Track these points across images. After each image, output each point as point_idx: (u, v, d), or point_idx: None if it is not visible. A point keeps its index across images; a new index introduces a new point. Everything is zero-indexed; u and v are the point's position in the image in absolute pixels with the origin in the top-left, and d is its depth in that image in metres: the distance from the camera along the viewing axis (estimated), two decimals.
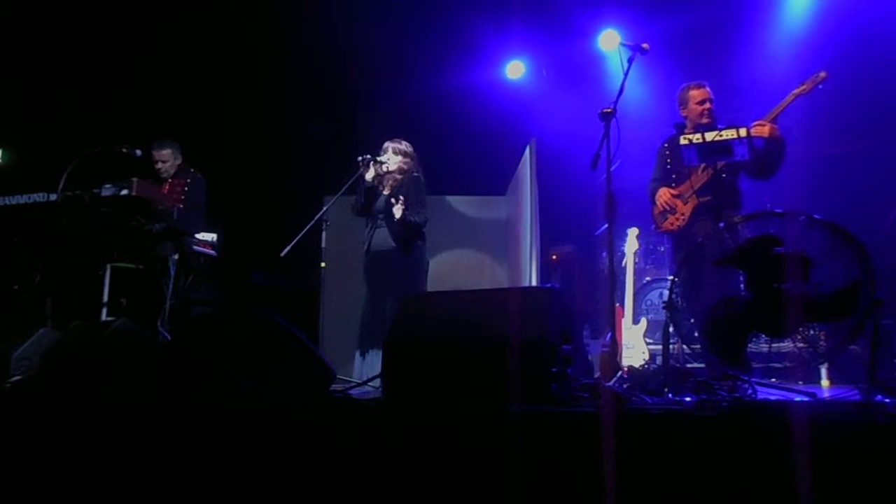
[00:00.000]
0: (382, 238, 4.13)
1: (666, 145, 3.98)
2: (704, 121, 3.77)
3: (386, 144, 4.29)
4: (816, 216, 2.50)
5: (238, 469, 2.12)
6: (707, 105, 3.79)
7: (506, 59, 6.43)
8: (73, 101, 5.75)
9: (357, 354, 4.03)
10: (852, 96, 4.81)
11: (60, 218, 3.83)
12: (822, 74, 3.45)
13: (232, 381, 2.46)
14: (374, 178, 4.20)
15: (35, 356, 3.12)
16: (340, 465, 2.03)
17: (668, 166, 3.90)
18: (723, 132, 3.14)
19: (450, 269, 5.82)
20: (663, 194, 3.82)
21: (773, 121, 3.47)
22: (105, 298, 4.15)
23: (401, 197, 4.00)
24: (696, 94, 3.83)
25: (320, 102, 6.34)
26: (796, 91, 3.48)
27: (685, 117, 3.90)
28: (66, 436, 2.35)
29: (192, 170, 4.73)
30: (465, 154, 6.12)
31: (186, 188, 4.52)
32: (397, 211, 3.99)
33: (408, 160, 4.25)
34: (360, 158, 4.21)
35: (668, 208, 3.80)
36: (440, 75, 6.10)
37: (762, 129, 3.44)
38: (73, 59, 5.73)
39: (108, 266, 4.18)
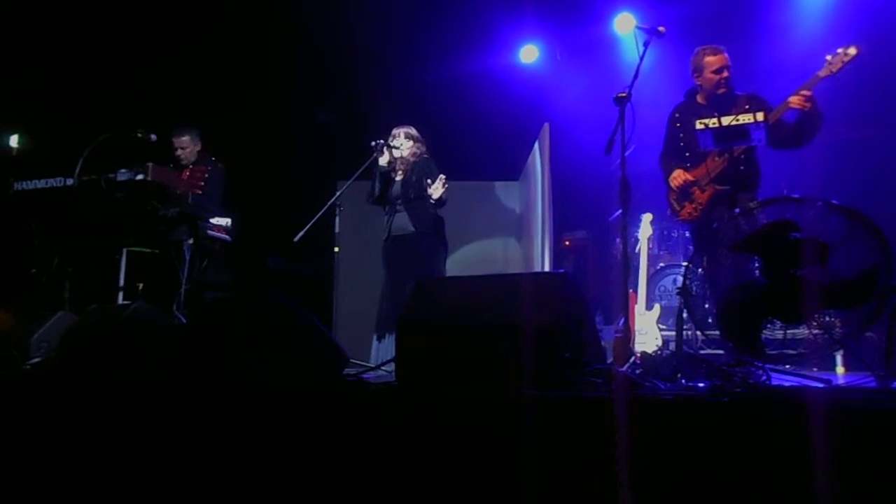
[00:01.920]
0: (402, 223, 4.13)
1: (677, 115, 3.83)
2: (721, 91, 3.60)
3: (396, 130, 4.29)
4: (834, 201, 2.47)
5: (252, 450, 2.15)
6: (724, 74, 3.59)
7: (520, 43, 6.37)
8: (89, 86, 5.78)
9: (374, 339, 4.06)
10: (874, 80, 4.72)
11: (77, 202, 3.87)
12: (852, 51, 3.16)
13: (246, 364, 2.49)
14: (388, 164, 4.20)
15: (53, 339, 3.16)
16: (354, 449, 2.05)
17: (681, 144, 3.77)
18: (739, 116, 3.08)
19: (463, 255, 5.82)
20: (678, 176, 3.69)
21: (811, 92, 3.25)
22: (121, 282, 4.20)
23: (442, 176, 3.98)
24: (712, 60, 3.61)
25: (334, 88, 6.33)
26: (821, 73, 3.25)
27: (700, 85, 3.71)
28: (83, 416, 2.39)
29: (212, 158, 4.74)
30: (479, 139, 6.10)
31: (207, 175, 4.53)
32: (436, 191, 3.94)
33: (419, 145, 4.27)
34: (373, 143, 4.21)
35: (683, 188, 3.68)
36: (453, 59, 6.07)
37: (799, 103, 3.23)
38: (90, 45, 5.75)
39: (124, 250, 4.22)
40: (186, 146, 4.68)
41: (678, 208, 3.78)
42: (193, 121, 4.87)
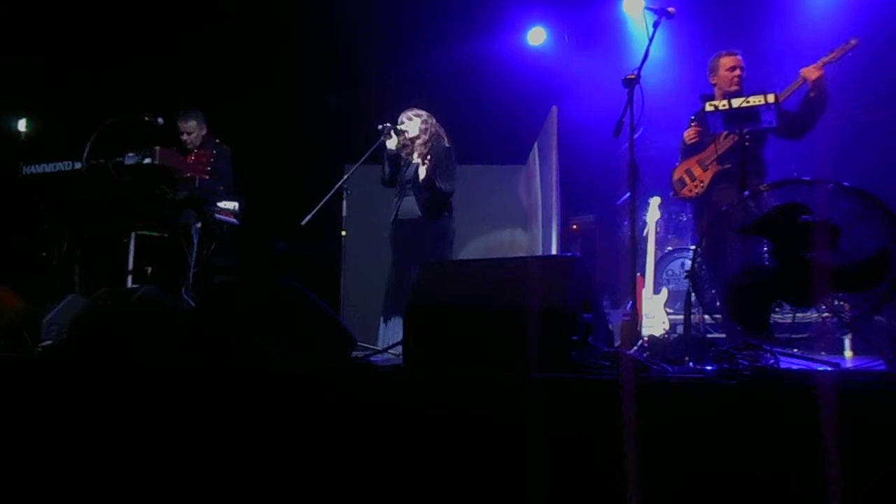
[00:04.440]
0: (409, 206, 4.13)
1: (693, 118, 3.94)
2: (734, 88, 3.72)
3: (400, 117, 4.27)
4: (845, 183, 2.45)
5: (260, 433, 2.17)
6: (737, 72, 3.75)
7: (527, 25, 6.32)
8: (97, 69, 5.77)
9: (381, 321, 4.08)
10: (885, 62, 4.67)
11: (85, 186, 3.88)
12: (853, 42, 3.36)
13: (255, 346, 2.50)
14: (396, 147, 4.19)
15: (64, 322, 3.18)
16: (361, 431, 2.06)
17: (696, 139, 3.86)
18: (750, 98, 3.08)
19: (470, 238, 5.82)
20: (689, 131, 3.82)
21: (823, 67, 3.43)
22: (130, 266, 4.21)
23: (428, 157, 4.00)
24: (726, 60, 3.79)
25: (342, 71, 6.30)
26: (825, 59, 3.42)
27: (714, 84, 3.85)
28: (94, 398, 2.41)
29: (217, 140, 4.73)
30: (486, 122, 6.06)
31: (212, 159, 4.53)
32: (422, 171, 3.98)
33: (424, 117, 4.23)
34: (380, 127, 4.20)
35: (694, 144, 3.77)
36: (461, 42, 6.02)
37: (810, 73, 3.41)
38: (98, 28, 5.74)
39: (133, 234, 4.23)
40: (192, 130, 4.67)
41: (679, 188, 3.86)
42: (201, 104, 4.86)
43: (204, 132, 4.74)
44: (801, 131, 3.58)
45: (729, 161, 3.59)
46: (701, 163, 3.74)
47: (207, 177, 4.30)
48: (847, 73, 3.70)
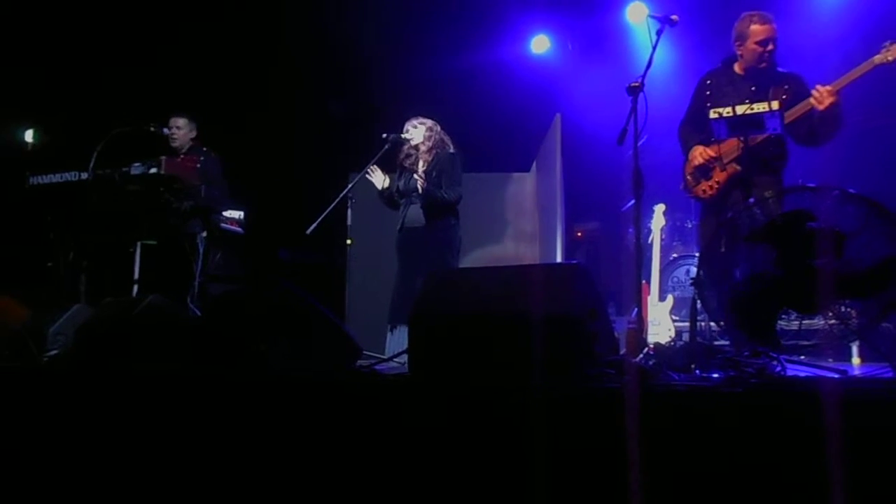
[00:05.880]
0: (416, 215, 4.15)
1: (709, 82, 3.57)
2: (762, 65, 3.36)
3: (405, 125, 4.29)
4: (851, 190, 2.44)
5: (265, 442, 2.16)
6: (769, 47, 3.32)
7: (531, 33, 6.34)
8: (102, 80, 5.81)
9: (388, 330, 4.08)
10: (889, 68, 4.64)
11: (91, 196, 3.91)
12: (890, 56, 3.00)
13: (259, 355, 2.50)
14: (384, 187, 4.22)
15: (70, 331, 3.19)
16: (367, 440, 2.06)
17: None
18: (754, 105, 3.05)
19: (474, 246, 5.81)
20: (699, 155, 3.47)
21: (837, 92, 3.09)
22: (136, 275, 4.23)
23: (423, 173, 4.03)
24: (758, 29, 3.33)
25: (346, 79, 6.32)
26: (876, 59, 3.04)
27: (740, 55, 3.44)
28: (99, 407, 2.42)
29: (205, 148, 4.75)
30: (490, 130, 6.07)
31: (199, 165, 4.53)
32: (420, 187, 4.03)
33: (429, 125, 4.24)
34: (384, 136, 4.21)
35: (704, 165, 3.45)
36: (465, 50, 6.04)
37: (822, 99, 3.08)
38: (102, 39, 5.78)
39: (139, 244, 4.25)
40: (182, 126, 4.67)
41: (693, 184, 3.58)
42: (205, 112, 4.88)
43: (192, 135, 4.74)
44: (814, 140, 3.33)
45: (739, 165, 3.32)
46: (719, 161, 3.38)
47: (196, 181, 4.31)
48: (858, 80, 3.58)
